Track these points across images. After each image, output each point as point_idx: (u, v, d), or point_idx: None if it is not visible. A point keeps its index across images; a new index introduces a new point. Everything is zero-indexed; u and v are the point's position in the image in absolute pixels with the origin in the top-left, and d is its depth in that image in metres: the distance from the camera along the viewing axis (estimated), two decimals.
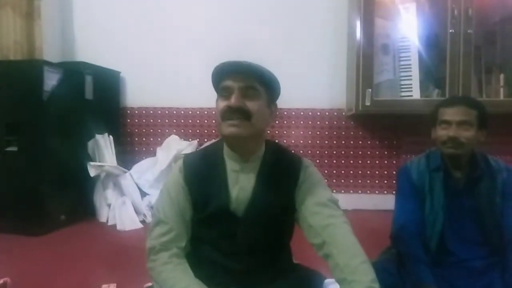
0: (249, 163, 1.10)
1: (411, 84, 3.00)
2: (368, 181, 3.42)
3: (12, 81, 2.66)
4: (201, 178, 1.10)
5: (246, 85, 1.02)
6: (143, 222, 2.92)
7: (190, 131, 3.54)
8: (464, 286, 1.36)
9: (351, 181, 3.44)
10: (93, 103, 3.15)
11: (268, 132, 3.44)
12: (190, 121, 3.54)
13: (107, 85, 3.40)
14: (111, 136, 3.16)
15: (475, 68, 2.96)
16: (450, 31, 2.87)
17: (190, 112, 3.51)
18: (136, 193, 3.03)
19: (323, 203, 1.07)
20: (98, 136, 3.10)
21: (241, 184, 1.09)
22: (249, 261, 1.07)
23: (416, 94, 2.98)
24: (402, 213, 1.53)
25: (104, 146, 3.09)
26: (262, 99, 1.05)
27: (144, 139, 3.61)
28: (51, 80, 2.69)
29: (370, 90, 2.92)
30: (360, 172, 3.44)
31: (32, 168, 2.65)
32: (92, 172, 2.93)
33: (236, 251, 1.07)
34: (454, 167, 1.48)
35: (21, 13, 3.00)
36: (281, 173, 1.11)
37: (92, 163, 2.95)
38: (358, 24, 2.95)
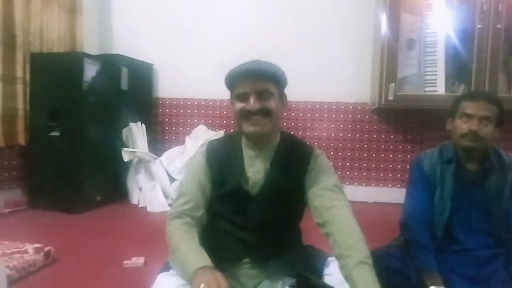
0: (264, 151, 1.22)
1: (436, 79, 3.00)
2: (390, 175, 3.45)
3: (55, 72, 2.91)
4: (221, 161, 1.23)
5: (262, 89, 1.13)
6: (171, 205, 3.10)
7: (217, 121, 3.70)
8: (468, 274, 1.41)
9: (373, 174, 3.49)
10: (128, 94, 3.37)
11: (292, 124, 3.54)
12: (217, 112, 3.70)
13: (141, 76, 3.60)
14: (143, 125, 3.37)
15: (504, 64, 2.92)
16: (478, 26, 2.85)
17: (217, 104, 3.67)
18: (165, 178, 3.22)
19: (328, 187, 1.17)
20: (132, 124, 3.31)
21: (255, 168, 1.21)
22: (259, 235, 1.19)
23: (441, 89, 2.98)
24: (412, 202, 1.59)
25: (137, 133, 3.30)
26: (275, 95, 1.16)
27: (174, 128, 3.80)
28: (90, 71, 2.91)
29: (393, 84, 2.95)
30: (382, 165, 3.47)
31: (72, 152, 2.89)
32: (125, 157, 3.14)
33: (248, 225, 1.19)
34: (467, 160, 1.52)
35: (65, 9, 3.25)
36: (293, 160, 1.22)
37: (125, 149, 3.17)
38: (383, 19, 2.98)
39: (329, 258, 1.18)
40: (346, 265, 1.00)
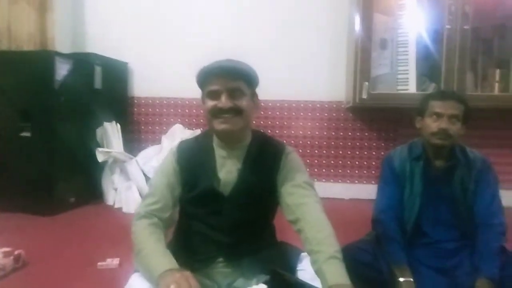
0: (236, 150, 1.23)
1: (407, 78, 3.08)
2: (365, 172, 3.53)
3: (26, 71, 2.81)
4: (192, 161, 1.23)
5: (233, 87, 1.14)
6: None
7: (194, 120, 3.69)
8: (435, 265, 1.47)
9: (348, 171, 3.56)
10: (102, 93, 3.30)
11: (269, 122, 3.56)
12: (194, 111, 3.68)
13: (115, 75, 3.54)
14: (118, 124, 3.31)
15: (472, 64, 3.03)
16: (447, 27, 2.94)
17: (194, 103, 3.65)
18: (141, 178, 3.17)
19: (299, 184, 1.19)
20: (106, 124, 3.25)
21: (227, 168, 1.21)
22: (234, 235, 1.20)
23: (412, 88, 3.06)
24: (383, 198, 1.64)
25: (112, 133, 3.24)
26: (247, 95, 1.17)
27: (150, 127, 3.76)
28: (62, 70, 2.84)
29: (367, 83, 3.01)
30: (357, 162, 3.54)
31: (44, 153, 2.82)
32: (100, 158, 3.09)
33: (222, 226, 1.20)
34: (435, 157, 1.58)
35: (34, 6, 3.15)
36: (264, 159, 1.23)
37: (100, 149, 3.11)
38: (357, 19, 3.03)
39: (302, 254, 1.20)
40: (316, 260, 1.02)
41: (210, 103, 1.15)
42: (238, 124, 1.15)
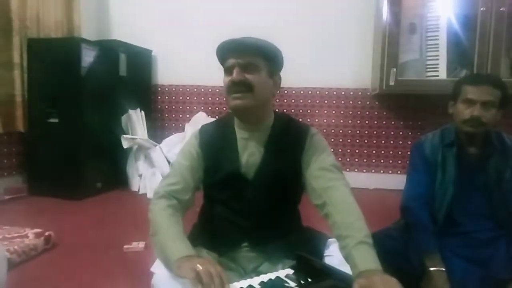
0: (258, 132, 1.19)
1: (437, 64, 2.97)
2: (391, 161, 3.44)
3: (53, 58, 2.88)
4: (214, 145, 1.21)
5: (246, 61, 1.10)
6: None
7: (217, 108, 3.68)
8: (468, 256, 1.41)
9: (374, 160, 3.48)
10: (127, 80, 3.34)
11: (293, 111, 3.51)
12: (217, 98, 3.67)
13: (140, 63, 3.57)
14: (143, 112, 3.35)
15: (506, 49, 2.88)
16: (481, 9, 2.80)
17: (217, 90, 3.64)
18: (165, 165, 3.21)
19: (325, 167, 1.15)
20: (131, 111, 3.29)
21: (250, 150, 1.18)
22: (257, 220, 1.17)
23: (442, 74, 2.95)
24: (412, 186, 1.58)
25: (136, 120, 3.28)
26: (263, 71, 1.13)
27: (173, 115, 3.78)
28: (88, 57, 2.88)
29: (394, 69, 2.92)
30: (383, 152, 3.46)
31: (71, 138, 2.88)
32: (125, 144, 3.13)
33: (245, 210, 1.17)
34: (469, 143, 1.51)
35: None
36: (288, 141, 1.19)
37: (125, 136, 3.15)
38: (385, 3, 2.93)
39: (330, 240, 1.17)
40: (345, 246, 0.98)
41: (226, 79, 1.13)
42: (250, 101, 1.10)
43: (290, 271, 1.08)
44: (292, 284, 1.02)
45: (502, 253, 1.40)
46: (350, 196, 1.09)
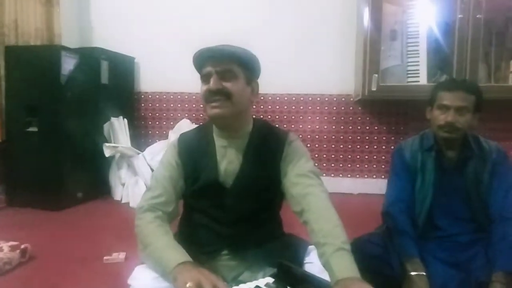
0: (237, 139, 1.18)
1: (418, 70, 3.01)
2: (374, 166, 3.47)
3: (32, 66, 2.83)
4: (193, 153, 1.20)
5: (223, 69, 1.09)
6: None
7: (201, 115, 3.66)
8: (449, 259, 1.42)
9: (358, 165, 3.50)
10: (109, 88, 3.30)
11: (277, 117, 3.52)
12: (201, 105, 3.65)
13: (122, 70, 3.53)
14: (125, 119, 3.31)
15: (484, 55, 2.95)
16: (459, 16, 2.86)
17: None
18: (148, 173, 3.16)
19: (303, 174, 1.14)
20: (113, 119, 3.25)
21: (229, 158, 1.17)
22: (237, 227, 1.16)
23: (423, 80, 2.99)
24: (394, 191, 1.59)
25: (119, 128, 3.24)
26: (241, 78, 1.12)
27: (157, 122, 3.75)
28: (68, 64, 2.83)
29: (376, 75, 2.95)
30: (366, 157, 3.48)
31: (51, 147, 2.82)
32: (107, 153, 3.08)
33: (225, 218, 1.17)
34: (447, 148, 1.53)
35: (41, 1, 3.14)
36: (267, 148, 1.18)
37: (107, 144, 3.10)
38: (366, 9, 2.97)
39: (310, 247, 1.17)
40: (324, 253, 0.98)
41: (203, 87, 1.12)
42: (228, 109, 1.09)
43: (270, 280, 1.06)
44: None
45: (481, 255, 1.41)
46: (327, 203, 1.09)
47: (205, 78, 1.12)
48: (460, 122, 1.42)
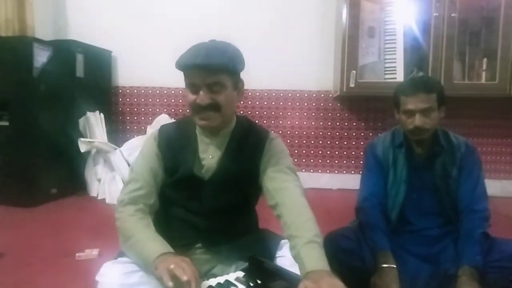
0: (219, 137, 1.19)
1: (395, 67, 3.06)
2: (353, 162, 3.51)
3: (3, 58, 2.73)
4: (173, 145, 1.19)
5: (213, 81, 1.07)
6: None
7: (180, 110, 3.62)
8: (420, 252, 1.45)
9: (336, 161, 3.53)
10: (84, 81, 3.22)
11: (257, 113, 3.51)
12: (180, 100, 3.61)
13: (99, 64, 3.45)
14: (102, 114, 3.24)
15: (459, 53, 3.02)
16: (435, 14, 2.92)
17: (180, 92, 3.58)
18: (125, 169, 3.11)
19: (280, 169, 1.16)
20: (90, 114, 3.17)
21: (210, 153, 1.18)
22: (212, 220, 1.17)
23: (400, 76, 3.04)
24: (366, 186, 1.61)
25: (95, 123, 3.17)
26: (229, 86, 1.10)
27: (135, 117, 3.69)
28: (41, 57, 2.75)
29: (354, 72, 2.98)
30: (345, 153, 3.52)
31: (23, 142, 2.74)
32: (82, 148, 3.01)
33: (201, 211, 1.17)
34: (417, 145, 1.55)
35: None
36: (248, 145, 1.19)
37: (82, 139, 3.03)
38: (345, 7, 2.99)
39: (283, 241, 1.18)
40: (295, 245, 0.98)
41: (191, 97, 1.10)
42: (218, 120, 1.11)
43: (241, 274, 1.07)
44: (241, 287, 1.01)
45: (451, 249, 1.44)
46: (301, 197, 1.10)
47: (193, 87, 1.09)
48: (428, 123, 1.43)
